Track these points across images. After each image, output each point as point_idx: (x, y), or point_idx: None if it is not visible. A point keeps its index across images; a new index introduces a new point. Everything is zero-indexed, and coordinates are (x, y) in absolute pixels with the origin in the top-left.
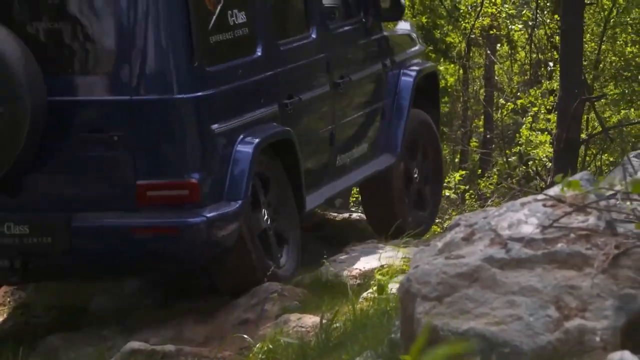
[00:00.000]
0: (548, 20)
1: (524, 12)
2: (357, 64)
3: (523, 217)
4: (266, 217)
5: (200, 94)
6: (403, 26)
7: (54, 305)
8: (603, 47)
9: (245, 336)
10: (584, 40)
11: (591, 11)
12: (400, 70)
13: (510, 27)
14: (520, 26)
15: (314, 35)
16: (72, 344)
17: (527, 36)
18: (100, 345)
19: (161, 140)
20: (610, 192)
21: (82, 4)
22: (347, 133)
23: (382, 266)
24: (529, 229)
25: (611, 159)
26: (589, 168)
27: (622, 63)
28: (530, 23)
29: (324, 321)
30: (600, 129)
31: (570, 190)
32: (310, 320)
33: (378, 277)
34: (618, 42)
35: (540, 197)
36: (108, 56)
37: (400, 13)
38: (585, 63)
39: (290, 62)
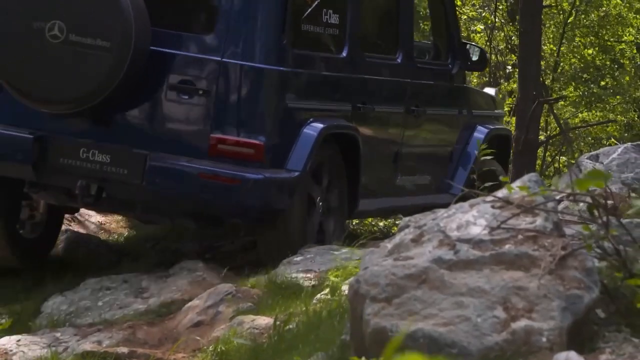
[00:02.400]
0: (510, 23)
1: (483, 14)
2: (435, 101)
3: (472, 219)
4: (320, 207)
5: (282, 68)
6: (489, 90)
7: (6, 306)
8: (562, 49)
9: (199, 338)
10: (544, 42)
11: (551, 14)
12: (476, 124)
13: (471, 29)
14: (481, 27)
15: (399, 60)
16: (25, 346)
17: (487, 38)
18: (53, 347)
19: (240, 101)
20: (560, 195)
21: None
22: (412, 158)
23: (336, 267)
24: (477, 230)
25: (571, 160)
26: (548, 170)
27: (582, 65)
28: (489, 25)
29: (277, 323)
30: (559, 131)
31: (519, 192)
32: (264, 321)
33: (332, 278)
34: (577, 44)
35: (488, 198)
36: (209, 19)
37: (484, 66)
38: (544, 64)
39: (372, 73)
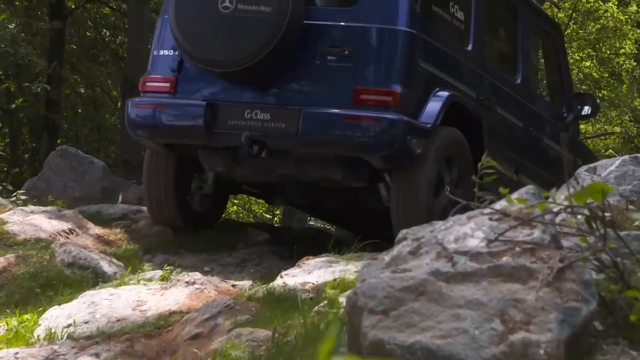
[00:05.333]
0: None
1: None
2: (550, 135)
3: (469, 231)
4: (447, 188)
5: (415, 32)
6: None
7: (3, 319)
8: None
9: (197, 350)
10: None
11: None
12: None
13: None
14: None
15: (519, 81)
16: (23, 359)
17: None
18: None
19: (379, 57)
20: (558, 207)
21: None
22: (530, 177)
23: (335, 280)
24: (474, 242)
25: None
26: None
27: (581, 77)
28: None
29: (275, 335)
30: None
31: (517, 204)
32: (262, 334)
33: (329, 290)
34: (575, 56)
35: (486, 210)
36: None
37: (595, 114)
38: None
39: (494, 78)
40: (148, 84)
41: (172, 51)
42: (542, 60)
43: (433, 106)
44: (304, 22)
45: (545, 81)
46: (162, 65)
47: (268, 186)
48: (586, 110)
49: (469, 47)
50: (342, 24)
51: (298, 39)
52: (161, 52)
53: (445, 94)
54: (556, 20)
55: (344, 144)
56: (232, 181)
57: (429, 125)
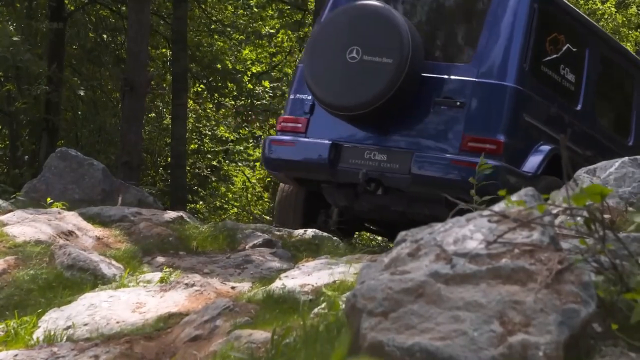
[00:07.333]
0: None
1: None
2: None
3: (468, 233)
4: None
5: (522, 88)
6: None
7: (2, 321)
8: None
9: (196, 352)
10: None
11: None
12: None
13: None
14: None
15: (631, 143)
16: None
17: None
18: None
19: (488, 109)
20: (557, 209)
21: (459, 19)
22: None
23: (334, 281)
24: (473, 244)
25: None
26: None
27: None
28: None
29: (275, 337)
30: None
31: (515, 206)
32: (262, 336)
33: (329, 292)
34: None
35: (485, 212)
36: (467, 52)
37: None
38: None
39: (603, 138)
40: (283, 123)
41: (306, 95)
42: None
43: (535, 157)
44: (423, 74)
45: None
46: (297, 108)
47: (385, 224)
48: None
49: (578, 107)
50: (456, 77)
51: (415, 88)
52: (297, 96)
53: (548, 147)
54: None
55: (450, 185)
56: (354, 218)
57: (529, 174)
